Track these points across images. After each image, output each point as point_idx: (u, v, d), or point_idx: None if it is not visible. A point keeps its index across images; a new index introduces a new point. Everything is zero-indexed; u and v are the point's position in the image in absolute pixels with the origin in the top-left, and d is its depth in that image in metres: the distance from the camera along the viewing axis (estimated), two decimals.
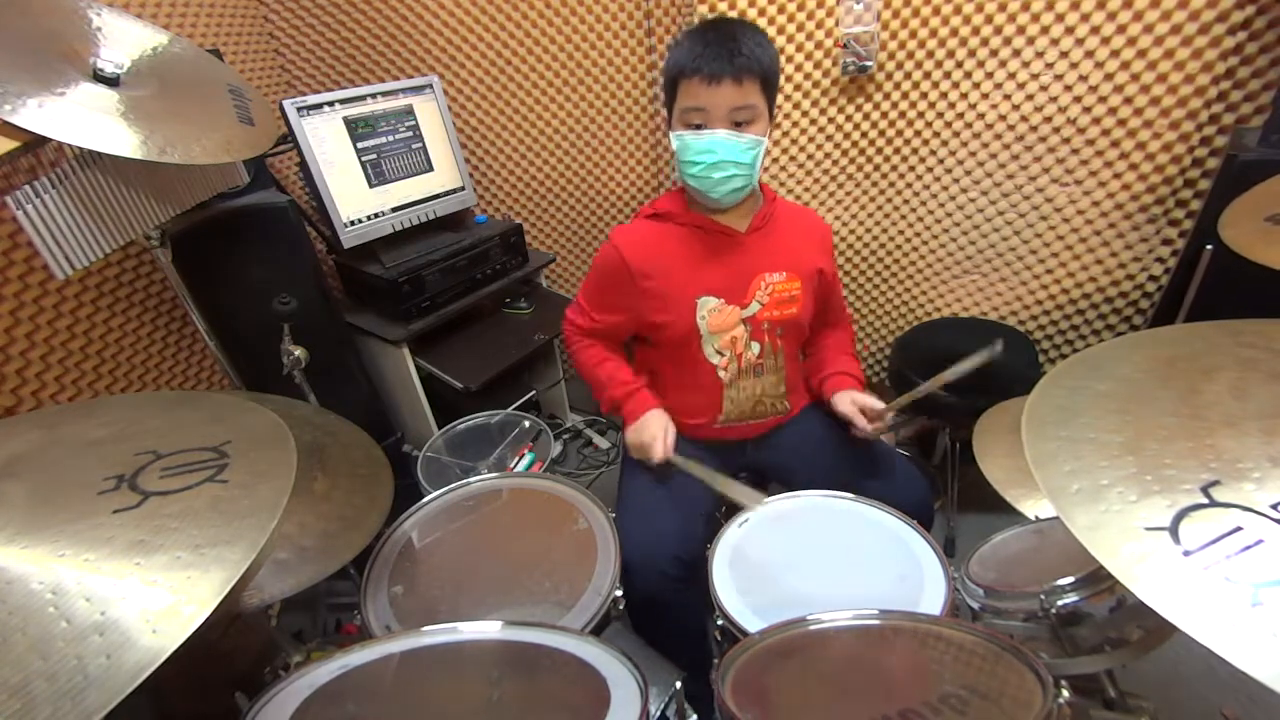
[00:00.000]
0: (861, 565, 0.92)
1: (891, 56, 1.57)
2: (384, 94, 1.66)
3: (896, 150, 1.70)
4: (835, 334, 1.29)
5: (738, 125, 0.99)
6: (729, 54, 0.95)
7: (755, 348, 1.15)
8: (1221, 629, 0.39)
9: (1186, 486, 0.48)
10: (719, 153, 1.00)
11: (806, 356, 1.31)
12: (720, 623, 0.88)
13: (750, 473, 1.30)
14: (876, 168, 1.75)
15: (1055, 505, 0.50)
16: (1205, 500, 0.46)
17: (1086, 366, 0.66)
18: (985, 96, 1.53)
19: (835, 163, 1.77)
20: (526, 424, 1.56)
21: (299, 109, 1.51)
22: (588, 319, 1.21)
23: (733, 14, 1.55)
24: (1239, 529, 0.44)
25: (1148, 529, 0.45)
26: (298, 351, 1.25)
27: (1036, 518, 1.05)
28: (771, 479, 1.30)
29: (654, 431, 1.10)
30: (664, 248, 1.11)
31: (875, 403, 1.09)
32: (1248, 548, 0.43)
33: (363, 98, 1.62)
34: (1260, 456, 0.48)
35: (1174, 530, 0.45)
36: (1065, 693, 0.59)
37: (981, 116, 1.55)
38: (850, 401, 1.11)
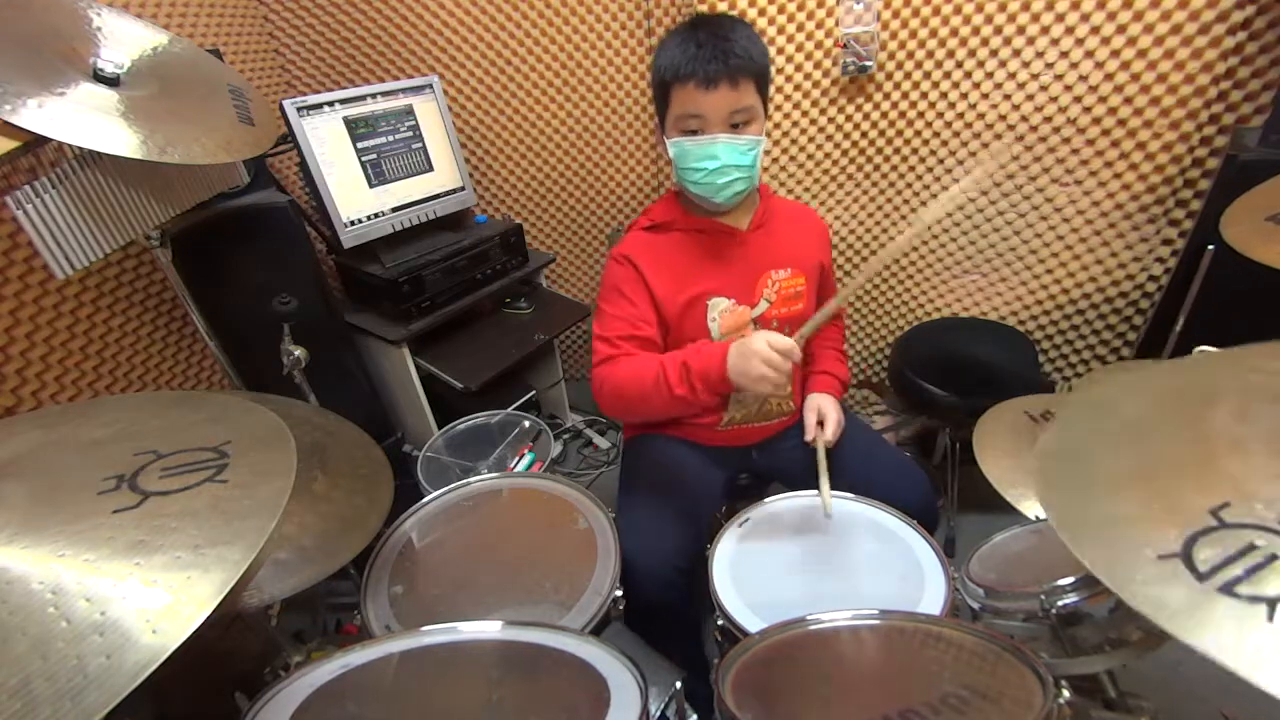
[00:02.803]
0: (861, 565, 0.92)
1: (891, 56, 1.57)
2: (384, 94, 1.66)
3: (896, 150, 1.70)
4: (825, 330, 1.29)
5: (735, 127, 0.97)
6: (723, 55, 0.92)
7: None
8: (1241, 647, 0.39)
9: (1197, 512, 0.47)
10: (721, 158, 0.98)
11: None
12: (720, 623, 0.88)
13: (754, 477, 1.30)
14: (876, 168, 1.75)
15: (1068, 542, 0.50)
16: (1216, 524, 0.46)
17: (1092, 409, 0.66)
18: (985, 96, 1.53)
19: (835, 163, 1.77)
20: (526, 424, 1.56)
21: (299, 109, 1.51)
22: (618, 344, 1.05)
23: (732, 14, 1.55)
24: (1252, 546, 0.44)
25: (1160, 556, 0.45)
26: (298, 351, 1.25)
27: (1036, 518, 1.05)
28: (774, 480, 1.30)
29: (760, 336, 0.89)
30: (669, 254, 1.09)
31: (831, 425, 1.12)
32: (1260, 565, 0.43)
33: (363, 98, 1.62)
34: (1268, 475, 0.48)
35: (1187, 556, 0.45)
36: (1065, 693, 0.59)
37: (981, 116, 1.55)
38: (814, 410, 1.14)
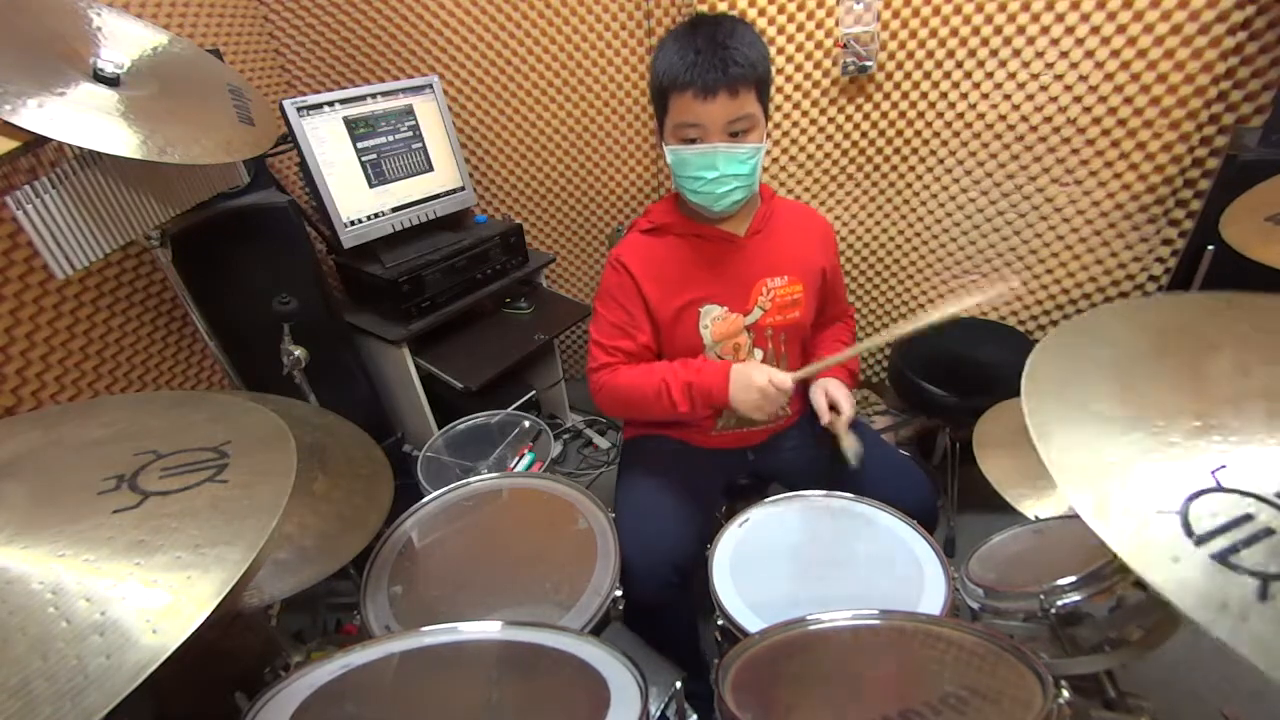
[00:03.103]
0: (862, 565, 0.92)
1: (891, 56, 1.57)
2: (384, 94, 1.66)
3: (896, 150, 1.70)
4: (834, 327, 1.28)
5: (734, 136, 0.96)
6: (721, 64, 0.91)
7: (758, 354, 1.14)
8: (1232, 621, 0.38)
9: (1194, 469, 0.46)
10: (720, 168, 0.97)
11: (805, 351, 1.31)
12: (720, 623, 0.88)
13: (754, 477, 1.30)
14: (876, 168, 1.75)
15: (1059, 480, 0.48)
16: (1213, 484, 0.45)
17: (1081, 334, 0.64)
18: (985, 96, 1.53)
19: (835, 163, 1.77)
20: (526, 424, 1.56)
21: (299, 109, 1.51)
22: (613, 353, 1.11)
23: (732, 14, 1.55)
24: (1248, 516, 0.43)
25: (1158, 512, 0.44)
26: (298, 351, 1.24)
27: (1036, 518, 1.05)
28: (774, 480, 1.30)
29: (762, 371, 1.00)
30: (664, 260, 1.09)
31: (837, 390, 1.09)
32: (1257, 537, 0.42)
33: (363, 98, 1.62)
34: (1266, 438, 0.47)
35: (1184, 515, 0.44)
36: (1065, 693, 0.59)
37: (981, 116, 1.55)
38: (822, 392, 1.10)
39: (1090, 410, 0.54)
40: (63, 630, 0.45)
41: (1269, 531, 0.42)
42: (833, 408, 1.09)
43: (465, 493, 1.12)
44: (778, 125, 1.71)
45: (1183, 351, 0.58)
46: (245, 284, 1.46)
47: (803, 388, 1.27)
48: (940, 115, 1.59)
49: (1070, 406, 0.55)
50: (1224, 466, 0.46)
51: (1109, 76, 1.40)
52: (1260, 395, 0.51)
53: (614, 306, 1.11)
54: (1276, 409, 0.49)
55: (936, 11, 1.48)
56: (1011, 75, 1.48)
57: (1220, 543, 0.42)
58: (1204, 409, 0.51)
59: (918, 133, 1.65)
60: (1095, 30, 1.37)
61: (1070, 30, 1.39)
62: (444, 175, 1.81)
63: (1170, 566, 0.42)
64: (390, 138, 1.68)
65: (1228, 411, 0.50)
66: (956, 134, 1.60)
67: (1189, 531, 0.43)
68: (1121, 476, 0.48)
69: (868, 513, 1.01)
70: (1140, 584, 0.71)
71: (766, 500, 1.05)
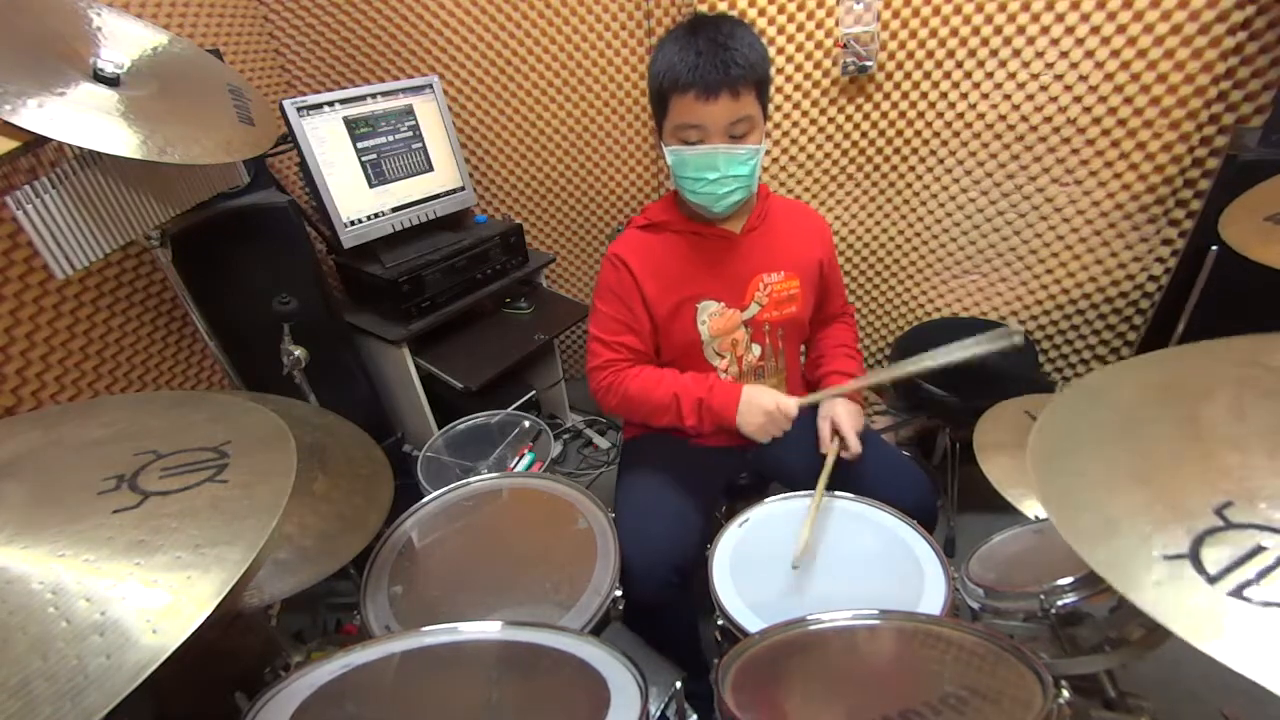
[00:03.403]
0: (861, 565, 0.92)
1: (891, 56, 1.57)
2: (384, 94, 1.66)
3: (896, 150, 1.70)
4: (835, 330, 1.28)
5: (734, 138, 0.97)
6: (723, 66, 0.91)
7: (756, 349, 1.14)
8: (1257, 653, 0.38)
9: (1200, 510, 0.47)
10: (721, 169, 0.97)
11: (807, 353, 1.31)
12: (720, 623, 0.88)
13: (753, 478, 1.30)
14: (876, 168, 1.75)
15: (1070, 540, 0.49)
16: (1221, 523, 0.45)
17: (1083, 397, 0.65)
18: (985, 96, 1.53)
19: (835, 163, 1.77)
20: (526, 424, 1.56)
21: (299, 109, 1.51)
22: (617, 349, 1.11)
23: (732, 14, 1.55)
24: (1260, 549, 0.43)
25: (1166, 557, 0.44)
26: (298, 351, 1.24)
27: (1036, 517, 1.05)
28: (774, 480, 1.30)
29: (771, 395, 1.03)
30: (661, 256, 1.10)
31: (844, 421, 1.08)
32: (1270, 569, 0.42)
33: (363, 98, 1.62)
34: (1268, 473, 0.47)
35: (1194, 556, 0.44)
36: (1065, 693, 0.59)
37: (981, 116, 1.55)
38: (828, 421, 1.11)
39: (1094, 468, 0.55)
40: (63, 630, 0.45)
41: None
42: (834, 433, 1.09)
43: (465, 493, 1.12)
44: (778, 125, 1.71)
45: (1180, 402, 0.59)
46: (245, 284, 1.46)
47: (806, 389, 1.27)
48: (940, 115, 1.59)
49: (1075, 470, 0.56)
50: (1230, 504, 0.46)
51: (1109, 76, 1.40)
52: (1258, 434, 0.51)
53: (615, 302, 1.11)
54: (1275, 445, 0.50)
55: (936, 11, 1.48)
56: (1011, 75, 1.48)
57: (1236, 578, 0.42)
58: (1204, 453, 0.52)
59: (918, 133, 1.65)
60: (1095, 30, 1.37)
61: (1070, 30, 1.39)
62: (444, 175, 1.81)
63: (1192, 611, 0.41)
64: (390, 138, 1.68)
65: (1228, 454, 0.51)
66: (956, 134, 1.60)
67: (1203, 572, 0.43)
68: (1130, 529, 0.48)
69: (868, 513, 1.01)
70: None
71: (766, 500, 1.05)
